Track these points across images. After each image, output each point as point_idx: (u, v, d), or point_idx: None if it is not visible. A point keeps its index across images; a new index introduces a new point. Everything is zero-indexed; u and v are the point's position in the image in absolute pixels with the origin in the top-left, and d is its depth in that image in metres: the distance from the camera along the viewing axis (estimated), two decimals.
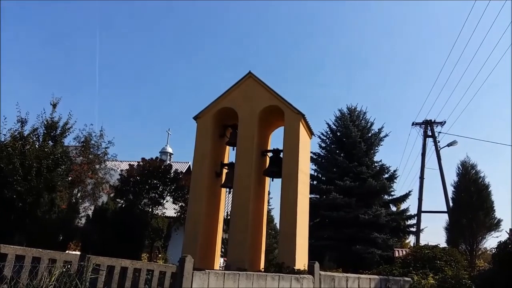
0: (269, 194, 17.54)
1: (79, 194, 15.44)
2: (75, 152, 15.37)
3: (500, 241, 12.38)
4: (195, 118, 12.83)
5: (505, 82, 74.23)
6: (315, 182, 24.58)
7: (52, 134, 14.13)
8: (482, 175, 22.26)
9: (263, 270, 11.56)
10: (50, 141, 14.00)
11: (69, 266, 5.36)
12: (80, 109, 68.91)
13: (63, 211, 13.51)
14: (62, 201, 13.72)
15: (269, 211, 26.69)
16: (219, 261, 13.37)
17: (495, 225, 21.34)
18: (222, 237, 13.86)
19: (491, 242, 23.15)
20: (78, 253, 7.27)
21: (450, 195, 24.03)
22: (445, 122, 26.48)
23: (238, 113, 12.50)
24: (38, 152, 13.04)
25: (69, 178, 14.69)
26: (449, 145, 25.88)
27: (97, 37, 67.44)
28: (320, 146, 26.19)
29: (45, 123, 14.14)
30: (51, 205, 13.06)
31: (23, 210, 12.56)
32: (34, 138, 13.78)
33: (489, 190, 21.96)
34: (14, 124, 13.51)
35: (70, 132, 14.64)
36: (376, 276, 9.67)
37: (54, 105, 14.56)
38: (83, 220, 15.27)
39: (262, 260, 12.58)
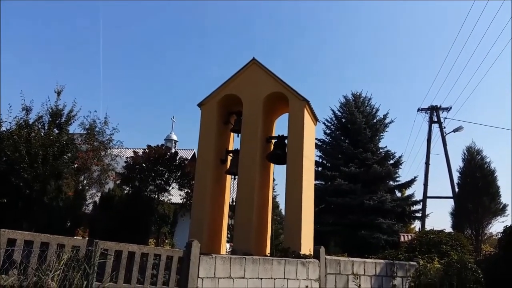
0: (274, 180, 17.60)
1: (85, 181, 15.55)
2: (80, 139, 15.43)
3: (505, 226, 12.37)
4: (199, 105, 12.79)
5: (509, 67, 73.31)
6: (320, 169, 24.59)
7: (57, 122, 14.20)
8: (487, 160, 22.14)
9: (268, 255, 11.64)
10: (55, 129, 14.08)
11: (77, 251, 5.43)
12: (84, 96, 69.05)
13: (69, 198, 13.65)
14: (68, 188, 13.84)
15: (274, 197, 26.80)
16: (225, 247, 13.48)
17: (501, 210, 21.30)
18: (228, 223, 13.94)
19: (496, 227, 23.21)
20: (86, 238, 7.35)
21: (455, 180, 23.99)
22: (451, 107, 26.28)
23: (242, 100, 12.44)
24: (44, 140, 13.12)
25: (75, 165, 14.79)
26: (455, 130, 25.71)
27: (100, 22, 67.15)
28: (325, 133, 26.15)
29: (50, 111, 14.20)
30: (58, 192, 13.20)
31: (30, 197, 12.71)
32: (40, 126, 13.86)
33: (495, 175, 21.86)
34: (19, 112, 13.60)
35: (75, 120, 14.72)
36: (382, 261, 9.71)
37: (59, 93, 14.60)
38: (90, 207, 15.41)
39: (268, 246, 12.66)
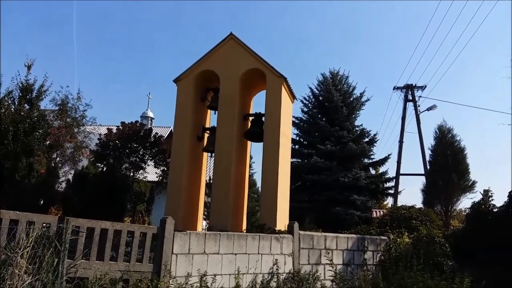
0: (251, 158, 17.64)
1: (58, 159, 15.21)
2: (52, 115, 15.00)
3: (473, 202, 12.86)
4: (176, 80, 12.57)
5: (484, 49, 74.84)
6: (297, 146, 24.77)
7: (27, 97, 13.72)
8: (458, 138, 22.84)
9: (245, 231, 11.78)
10: (26, 105, 13.62)
11: (48, 228, 5.35)
12: (58, 71, 66.82)
13: (42, 176, 13.34)
14: (40, 166, 13.52)
15: (251, 175, 26.96)
16: (201, 224, 13.56)
17: (470, 186, 22.12)
18: (205, 201, 13.98)
19: (465, 203, 24.09)
20: (57, 216, 7.24)
21: (427, 158, 24.68)
22: (425, 86, 26.80)
23: (219, 76, 12.29)
24: (14, 115, 12.71)
25: (47, 142, 14.42)
26: (428, 109, 26.29)
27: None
28: (303, 111, 26.22)
29: (20, 85, 13.69)
30: (29, 169, 12.87)
31: (1, 175, 12.37)
32: (10, 101, 13.38)
33: (465, 153, 22.60)
34: None
35: (47, 95, 14.25)
36: (354, 235, 9.98)
37: (29, 67, 14.06)
38: (64, 185, 15.14)
39: (244, 222, 12.79)
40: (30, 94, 13.75)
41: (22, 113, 12.93)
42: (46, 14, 70.62)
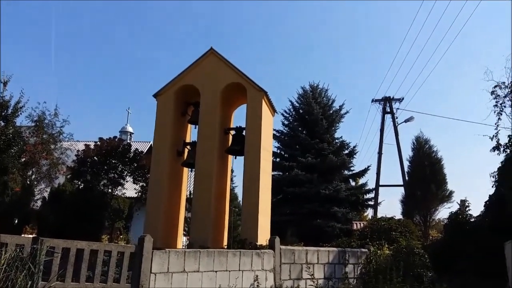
0: (232, 172, 17.57)
1: (33, 176, 14.83)
2: (28, 132, 14.67)
3: (451, 212, 13.11)
4: (155, 95, 12.51)
5: (458, 62, 77.23)
6: (278, 159, 24.83)
7: (3, 113, 13.43)
8: (435, 149, 23.35)
9: (225, 247, 11.67)
10: (1, 121, 13.32)
11: (21, 249, 5.19)
12: (34, 87, 65.51)
13: (17, 194, 12.99)
14: (15, 184, 13.18)
15: (232, 189, 26.80)
16: (182, 240, 13.38)
17: (447, 196, 22.58)
18: (185, 216, 13.81)
19: (443, 213, 24.54)
20: (32, 236, 7.03)
21: (406, 169, 25.09)
22: (403, 98, 27.31)
23: (200, 91, 12.29)
24: None
25: (23, 160, 14.07)
26: (406, 121, 26.76)
27: (53, 11, 63.77)
28: (283, 124, 26.38)
29: None
30: (3, 187, 12.56)
31: None
32: None
33: (442, 163, 23.11)
34: None
35: (23, 111, 13.98)
36: (335, 249, 9.99)
37: (5, 83, 13.81)
38: (39, 203, 14.74)
39: (226, 238, 12.68)
40: (5, 111, 13.46)
41: None
42: (24, 28, 69.59)
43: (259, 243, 10.31)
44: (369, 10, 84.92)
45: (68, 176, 15.59)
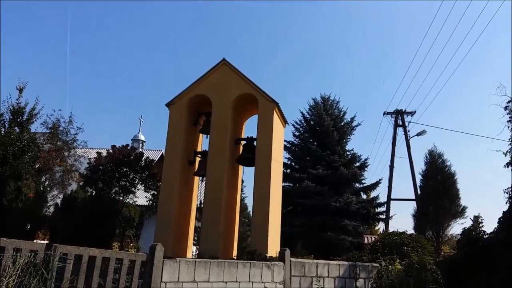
0: (242, 182, 17.58)
1: (47, 182, 15.03)
2: (42, 138, 14.92)
3: (464, 228, 12.87)
4: (168, 105, 12.64)
5: (471, 74, 76.65)
6: (288, 171, 24.79)
7: (18, 120, 13.69)
8: (448, 164, 23.06)
9: (235, 257, 11.62)
10: (16, 128, 13.58)
11: (35, 255, 5.24)
12: (50, 94, 66.73)
13: (30, 200, 13.16)
14: (29, 190, 13.35)
15: (242, 199, 26.79)
16: (191, 250, 13.36)
17: (460, 212, 22.21)
18: (195, 226, 13.82)
19: (456, 228, 24.12)
20: (46, 242, 7.11)
21: (418, 183, 24.79)
22: (415, 112, 27.11)
23: (211, 101, 12.39)
24: (4, 138, 12.64)
25: (37, 166, 14.29)
26: (418, 134, 26.54)
27: (68, 19, 65.14)
28: (294, 135, 26.41)
29: (11, 108, 13.68)
30: (17, 193, 12.72)
31: None
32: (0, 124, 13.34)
33: (455, 178, 22.79)
34: None
35: (38, 118, 14.24)
36: (345, 262, 9.88)
37: (21, 90, 14.11)
38: (52, 209, 14.90)
39: (235, 248, 12.65)
40: (21, 117, 13.73)
41: (12, 136, 12.85)
42: (40, 36, 71.13)
43: (269, 254, 10.25)
44: (380, 17, 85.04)
45: (81, 183, 15.77)
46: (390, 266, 10.13)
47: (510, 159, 10.83)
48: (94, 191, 14.98)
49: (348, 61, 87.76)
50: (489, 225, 13.74)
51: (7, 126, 13.35)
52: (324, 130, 24.54)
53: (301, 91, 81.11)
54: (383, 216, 25.46)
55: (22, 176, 13.03)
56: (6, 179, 12.42)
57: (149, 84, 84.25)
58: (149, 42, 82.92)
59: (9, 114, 13.60)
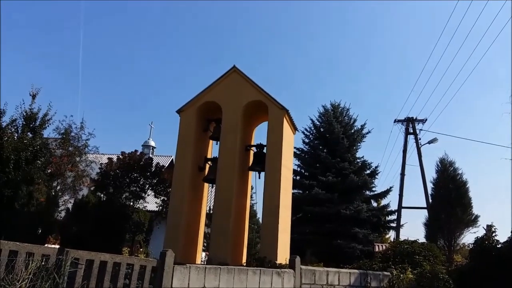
0: (252, 188, 17.56)
1: (58, 187, 15.17)
2: (54, 144, 15.08)
3: (477, 237, 12.66)
4: (179, 111, 12.72)
5: (483, 82, 75.90)
6: (298, 177, 24.68)
7: (31, 125, 13.86)
8: (460, 172, 22.70)
9: (245, 264, 11.59)
10: (29, 133, 13.74)
11: (47, 260, 5.27)
12: (62, 100, 67.60)
13: (41, 204, 13.28)
14: (41, 194, 13.48)
15: (252, 206, 26.71)
16: (201, 255, 13.36)
17: (473, 221, 21.81)
18: (205, 231, 13.83)
19: (468, 237, 23.68)
20: (57, 246, 7.15)
21: (429, 191, 24.48)
22: (426, 119, 26.90)
23: (222, 107, 12.44)
24: (17, 144, 12.78)
25: (48, 171, 14.43)
26: (429, 142, 26.30)
27: (81, 27, 66.14)
28: (304, 142, 26.30)
29: (24, 114, 13.86)
30: (29, 198, 12.84)
31: (1, 203, 12.31)
32: (13, 130, 13.51)
33: (467, 186, 22.39)
34: None
35: (50, 124, 14.40)
36: (356, 271, 9.79)
37: (34, 96, 14.28)
38: (63, 214, 15.03)
39: (244, 255, 12.61)
40: (33, 123, 13.90)
41: (25, 141, 13.01)
42: (52, 42, 72.25)
43: (278, 261, 10.19)
44: (392, 24, 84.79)
45: (92, 188, 15.90)
46: (401, 275, 10.02)
47: None
48: (105, 196, 15.09)
49: (358, 66, 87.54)
50: (503, 234, 13.49)
51: (20, 131, 13.51)
52: (334, 137, 24.41)
53: (316, 99, 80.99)
54: (393, 224, 25.18)
55: (34, 181, 13.15)
56: (19, 184, 12.55)
57: (160, 90, 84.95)
58: (161, 48, 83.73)
59: (22, 119, 13.78)
